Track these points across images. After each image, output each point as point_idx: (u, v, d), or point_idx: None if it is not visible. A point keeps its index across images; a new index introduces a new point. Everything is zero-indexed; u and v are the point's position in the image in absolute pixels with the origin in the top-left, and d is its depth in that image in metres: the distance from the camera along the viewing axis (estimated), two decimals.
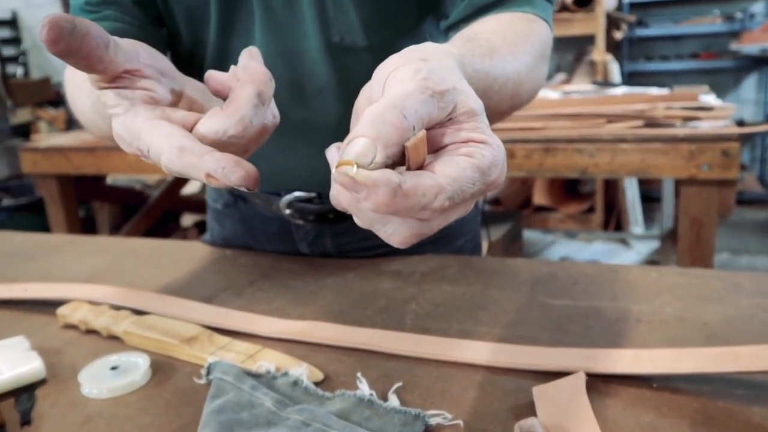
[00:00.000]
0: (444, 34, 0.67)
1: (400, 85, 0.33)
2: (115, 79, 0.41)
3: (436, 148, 0.34)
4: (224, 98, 0.43)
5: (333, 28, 0.67)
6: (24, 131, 4.03)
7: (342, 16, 0.67)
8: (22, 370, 0.54)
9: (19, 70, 5.33)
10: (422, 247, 0.80)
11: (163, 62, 0.44)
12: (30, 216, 2.81)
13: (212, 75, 0.44)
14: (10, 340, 0.59)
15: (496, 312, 0.61)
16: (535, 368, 0.50)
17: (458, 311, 0.62)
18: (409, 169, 0.32)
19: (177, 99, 0.44)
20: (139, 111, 0.40)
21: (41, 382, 0.54)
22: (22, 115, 4.33)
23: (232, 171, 0.38)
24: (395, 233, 0.34)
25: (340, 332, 0.57)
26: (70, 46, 0.36)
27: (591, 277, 0.68)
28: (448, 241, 0.82)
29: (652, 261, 2.50)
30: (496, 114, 0.58)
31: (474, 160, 0.33)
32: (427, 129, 0.33)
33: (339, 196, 0.34)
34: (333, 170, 0.31)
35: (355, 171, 0.30)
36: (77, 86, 0.62)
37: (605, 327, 0.57)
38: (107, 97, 0.41)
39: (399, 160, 0.32)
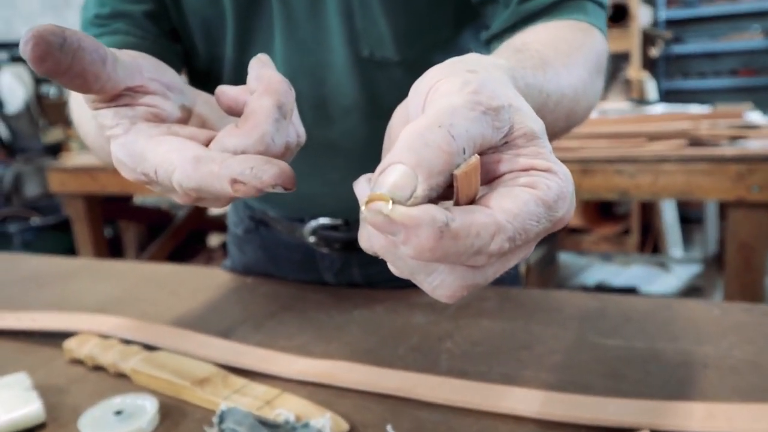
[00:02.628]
0: (485, 46, 0.61)
1: (445, 98, 0.27)
2: (115, 97, 0.36)
3: (489, 178, 0.28)
4: (239, 116, 0.38)
5: (362, 41, 0.62)
6: (55, 150, 4.06)
7: (371, 28, 0.61)
8: (19, 414, 0.49)
9: (52, 90, 5.41)
10: None
11: (171, 75, 0.39)
12: (57, 235, 2.81)
13: (223, 91, 0.38)
14: (11, 377, 0.54)
15: (542, 353, 0.55)
16: (591, 423, 0.44)
17: (499, 351, 0.56)
18: (457, 204, 0.26)
19: (186, 116, 0.39)
20: (141, 129, 0.35)
21: (40, 427, 0.49)
22: (53, 135, 4.37)
23: (262, 170, 0.32)
24: (442, 285, 0.27)
25: (369, 375, 0.51)
26: (60, 64, 0.31)
27: (645, 314, 0.62)
28: None
29: (694, 287, 2.39)
30: (550, 136, 0.52)
31: (538, 191, 0.26)
32: (480, 154, 0.27)
33: (371, 239, 0.28)
34: (362, 208, 0.25)
35: (391, 208, 0.24)
36: (81, 104, 0.57)
37: (666, 373, 0.50)
38: (104, 117, 0.36)
39: (445, 193, 0.26)
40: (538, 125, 0.28)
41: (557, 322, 0.61)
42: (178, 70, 0.67)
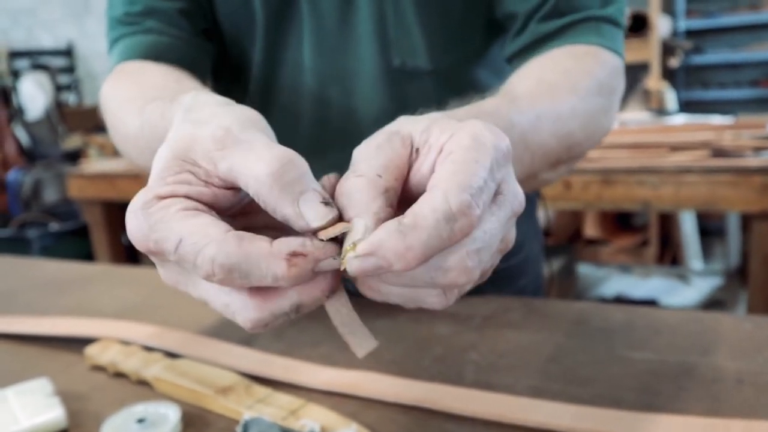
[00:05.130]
0: (508, 63, 0.61)
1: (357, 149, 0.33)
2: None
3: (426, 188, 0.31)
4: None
5: (394, 50, 0.61)
6: (74, 157, 4.10)
7: (404, 37, 0.61)
8: (42, 420, 0.49)
9: (72, 98, 5.48)
10: (481, 288, 0.73)
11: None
12: (76, 241, 2.83)
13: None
14: (33, 383, 0.54)
15: (569, 366, 0.54)
16: None
17: (525, 363, 0.55)
18: None
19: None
20: (179, 201, 0.30)
21: None
22: (73, 141, 4.42)
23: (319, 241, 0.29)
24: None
25: (394, 386, 0.50)
26: None
27: (674, 327, 0.60)
28: (509, 282, 0.75)
29: (716, 300, 2.36)
30: (544, 156, 0.52)
31: (454, 155, 0.29)
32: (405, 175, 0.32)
33: (389, 298, 0.32)
34: (347, 273, 0.29)
35: (356, 250, 0.28)
36: (121, 105, 0.55)
37: (700, 388, 0.49)
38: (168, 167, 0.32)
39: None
40: (421, 121, 0.33)
41: (584, 334, 0.60)
42: (209, 70, 0.66)
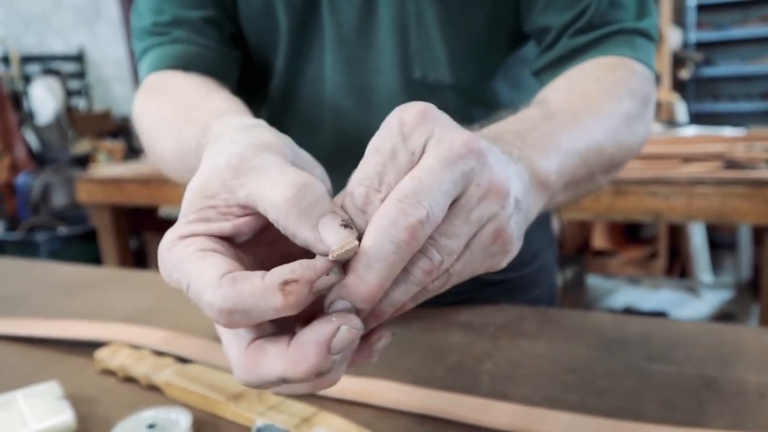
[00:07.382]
0: (532, 75, 0.61)
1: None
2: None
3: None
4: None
5: (415, 62, 0.61)
6: (83, 161, 4.12)
7: (426, 50, 0.60)
8: (51, 424, 0.48)
9: (82, 103, 5.51)
10: (495, 297, 0.72)
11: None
12: (84, 245, 2.83)
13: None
14: (42, 386, 0.53)
15: (586, 377, 0.53)
16: None
17: (542, 374, 0.54)
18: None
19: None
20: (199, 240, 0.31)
21: None
22: (82, 146, 4.44)
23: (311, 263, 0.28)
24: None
25: (410, 395, 0.49)
26: None
27: (692, 339, 0.59)
28: (522, 291, 0.74)
29: (726, 313, 2.34)
30: (588, 177, 0.50)
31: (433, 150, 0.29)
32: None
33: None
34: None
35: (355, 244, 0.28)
36: (158, 123, 0.55)
37: (722, 402, 0.48)
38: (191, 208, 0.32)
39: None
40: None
41: (601, 345, 0.59)
42: (236, 77, 0.65)
